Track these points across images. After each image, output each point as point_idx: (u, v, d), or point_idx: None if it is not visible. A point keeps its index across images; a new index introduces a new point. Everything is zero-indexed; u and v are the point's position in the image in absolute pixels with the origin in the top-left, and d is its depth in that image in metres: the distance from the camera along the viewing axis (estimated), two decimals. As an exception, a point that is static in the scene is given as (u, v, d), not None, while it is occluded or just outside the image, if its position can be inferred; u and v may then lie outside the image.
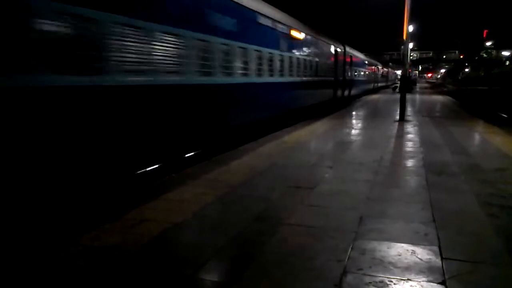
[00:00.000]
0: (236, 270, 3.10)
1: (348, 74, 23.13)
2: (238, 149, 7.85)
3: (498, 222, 4.06)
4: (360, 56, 30.10)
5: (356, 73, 26.89)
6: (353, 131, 11.05)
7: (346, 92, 22.75)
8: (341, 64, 21.14)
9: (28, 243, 3.58)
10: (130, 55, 5.44)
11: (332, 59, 19.21)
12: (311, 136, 9.96)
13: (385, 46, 76.29)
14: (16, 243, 3.65)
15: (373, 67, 39.57)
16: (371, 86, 37.77)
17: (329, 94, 18.81)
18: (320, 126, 11.88)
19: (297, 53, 13.56)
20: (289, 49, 12.71)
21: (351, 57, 24.14)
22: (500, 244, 3.54)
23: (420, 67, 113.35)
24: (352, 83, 24.83)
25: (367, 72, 33.88)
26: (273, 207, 4.50)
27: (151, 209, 4.36)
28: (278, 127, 11.16)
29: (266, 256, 3.30)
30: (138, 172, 6.03)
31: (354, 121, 13.89)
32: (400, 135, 10.14)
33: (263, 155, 7.40)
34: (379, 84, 47.21)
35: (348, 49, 23.37)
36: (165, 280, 2.92)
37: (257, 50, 10.03)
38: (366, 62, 33.72)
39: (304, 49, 14.60)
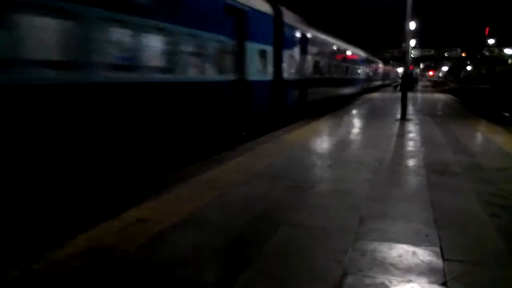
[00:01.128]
0: (235, 271, 3.06)
1: (290, 69, 12.20)
2: (237, 149, 7.81)
3: (499, 222, 4.02)
4: (328, 39, 17.88)
5: (316, 68, 15.56)
6: (354, 130, 11.00)
7: (290, 100, 12.36)
8: (261, 48, 10.08)
9: (24, 243, 3.55)
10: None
11: (230, 35, 8.42)
12: (311, 135, 9.91)
13: (385, 44, 76.06)
14: (11, 242, 3.62)
15: (361, 61, 28.43)
16: (355, 88, 26.26)
17: (216, 115, 8.06)
18: (320, 125, 11.83)
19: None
20: None
21: (301, 36, 13.32)
22: (501, 244, 3.50)
23: (421, 65, 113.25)
24: (303, 85, 13.60)
25: (349, 68, 23.08)
26: (272, 207, 4.45)
27: (149, 208, 4.32)
28: (277, 127, 11.07)
29: (264, 256, 3.26)
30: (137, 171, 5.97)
31: (354, 120, 13.83)
32: (401, 134, 10.09)
33: (262, 154, 7.36)
34: (373, 84, 37.38)
35: (290, 18, 12.29)
36: (162, 281, 2.89)
37: None
38: (347, 52, 22.52)
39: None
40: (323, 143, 9.05)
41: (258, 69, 9.94)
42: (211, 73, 7.73)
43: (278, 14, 11.33)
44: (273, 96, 11.06)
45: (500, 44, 58.86)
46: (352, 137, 9.71)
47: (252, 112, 9.63)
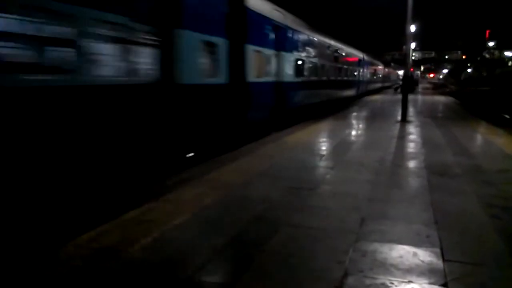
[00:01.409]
0: (235, 271, 3.07)
1: (258, 69, 9.74)
2: (239, 150, 7.82)
3: (500, 223, 4.03)
4: (315, 35, 15.49)
5: (299, 69, 13.09)
6: (355, 132, 11.01)
7: (258, 108, 9.72)
8: (206, 40, 7.39)
9: (25, 243, 3.56)
10: None
11: (138, 17, 5.66)
12: (313, 136, 9.92)
13: (386, 46, 76.13)
14: (13, 242, 3.64)
15: (357, 62, 25.34)
16: (350, 91, 23.04)
17: (111, 137, 5.31)
18: (322, 127, 11.84)
19: None
20: None
21: (276, 28, 10.87)
22: (502, 245, 3.51)
23: (422, 68, 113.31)
24: (280, 89, 11.19)
25: (342, 69, 20.25)
26: (273, 208, 4.46)
27: (150, 210, 4.33)
28: (279, 128, 11.08)
29: (266, 257, 3.27)
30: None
31: (355, 122, 13.84)
32: (402, 136, 10.10)
33: (263, 155, 7.37)
34: (372, 87, 34.06)
35: (258, 3, 9.86)
36: (163, 281, 2.90)
37: None
38: (340, 52, 19.67)
39: None
40: (324, 145, 9.06)
41: (199, 67, 7.14)
42: (103, 72, 5.10)
43: None
44: (229, 104, 8.28)
45: (501, 47, 59.00)
46: (353, 138, 9.72)
47: (191, 127, 6.93)
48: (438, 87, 60.39)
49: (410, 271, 3.03)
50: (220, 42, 7.87)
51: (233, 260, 3.27)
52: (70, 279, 2.91)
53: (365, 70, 29.61)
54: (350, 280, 2.90)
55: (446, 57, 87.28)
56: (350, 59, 22.95)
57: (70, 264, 3.11)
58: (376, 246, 3.47)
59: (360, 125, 12.68)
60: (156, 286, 2.85)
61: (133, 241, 3.53)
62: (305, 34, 13.98)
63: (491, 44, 61.86)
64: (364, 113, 16.84)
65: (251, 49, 9.24)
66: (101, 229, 3.75)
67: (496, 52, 58.91)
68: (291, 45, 12.40)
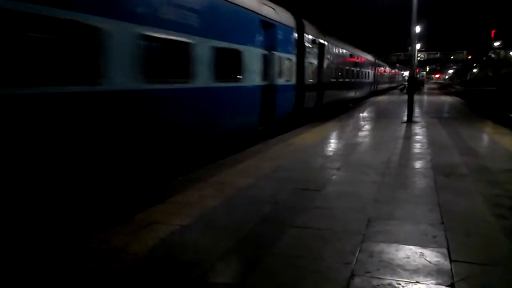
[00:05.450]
0: (242, 272, 3.10)
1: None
2: (245, 152, 7.85)
3: (507, 223, 4.02)
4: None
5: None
6: (360, 133, 10.99)
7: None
8: None
9: (37, 245, 3.60)
10: None
11: None
12: (318, 137, 9.92)
13: (392, 47, 75.83)
14: (25, 245, 3.68)
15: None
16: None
17: None
18: (328, 128, 11.84)
19: None
20: None
21: None
22: (509, 245, 3.50)
23: (427, 68, 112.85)
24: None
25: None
26: (279, 209, 4.49)
27: (158, 211, 4.37)
28: (286, 129, 11.10)
29: (272, 258, 3.29)
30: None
31: (361, 123, 13.81)
32: (408, 137, 10.08)
33: (269, 157, 7.38)
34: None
35: None
36: (171, 283, 2.93)
37: None
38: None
39: None
40: (330, 146, 9.06)
41: None
42: None
43: None
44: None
45: (506, 47, 58.69)
46: (359, 139, 9.71)
47: None
48: (443, 88, 60.13)
49: (417, 272, 3.03)
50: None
51: (240, 261, 3.30)
52: (81, 281, 2.95)
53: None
54: (357, 281, 2.91)
55: (452, 57, 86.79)
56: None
57: (81, 266, 3.15)
58: (382, 246, 3.48)
59: (366, 126, 12.66)
60: (165, 287, 2.88)
61: (142, 243, 3.56)
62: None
63: (496, 44, 61.61)
64: (370, 114, 16.81)
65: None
66: (111, 231, 3.79)
67: (502, 52, 58.57)
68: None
